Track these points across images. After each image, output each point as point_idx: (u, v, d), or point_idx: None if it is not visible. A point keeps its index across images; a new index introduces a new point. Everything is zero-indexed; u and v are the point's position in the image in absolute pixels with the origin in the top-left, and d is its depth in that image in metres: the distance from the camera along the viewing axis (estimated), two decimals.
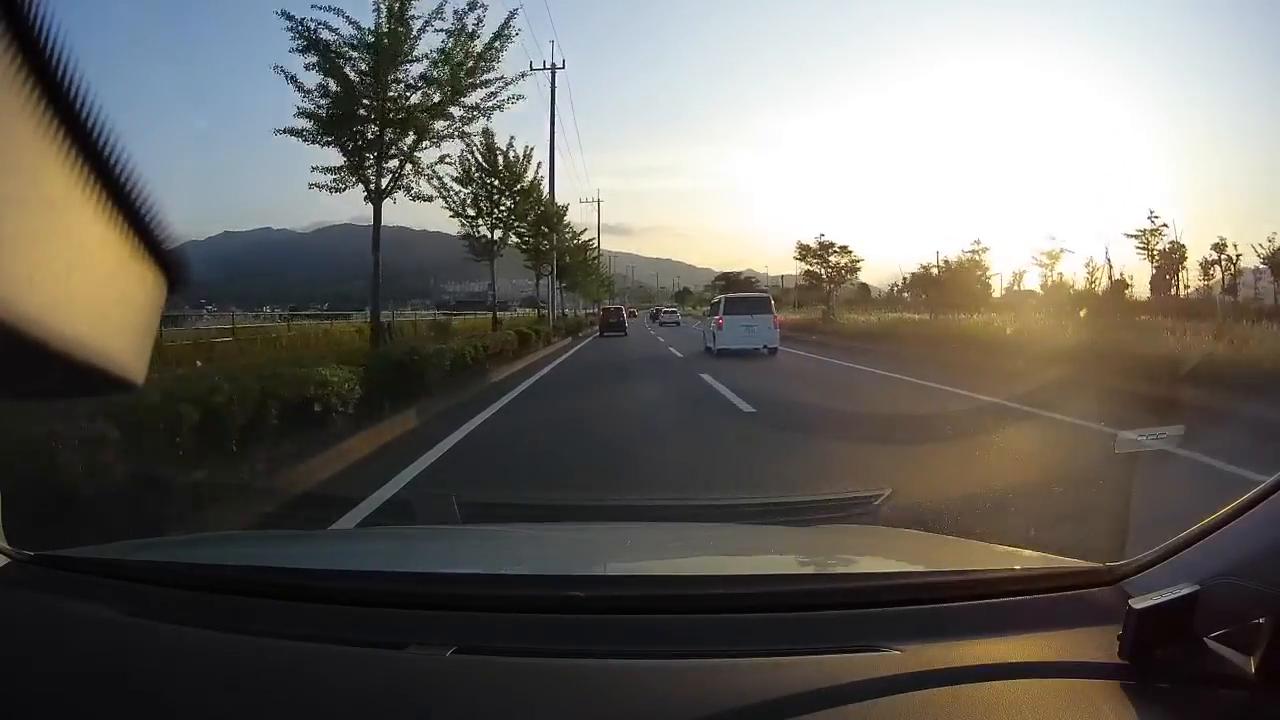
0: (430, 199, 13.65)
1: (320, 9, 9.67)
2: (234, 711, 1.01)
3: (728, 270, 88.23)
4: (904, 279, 52.69)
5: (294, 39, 9.67)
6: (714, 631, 1.18)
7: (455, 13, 10.34)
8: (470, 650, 1.11)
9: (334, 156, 10.34)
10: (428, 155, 11.19)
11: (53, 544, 1.47)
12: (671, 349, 21.61)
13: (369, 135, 10.17)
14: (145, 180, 0.51)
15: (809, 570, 1.64)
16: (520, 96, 11.86)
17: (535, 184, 21.61)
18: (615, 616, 1.24)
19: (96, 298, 0.51)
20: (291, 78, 9.92)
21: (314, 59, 9.77)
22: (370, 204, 10.51)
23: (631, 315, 55.35)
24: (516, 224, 21.05)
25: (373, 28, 9.87)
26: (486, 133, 18.63)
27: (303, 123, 10.17)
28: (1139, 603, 1.01)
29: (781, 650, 1.10)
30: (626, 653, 1.12)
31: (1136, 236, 42.27)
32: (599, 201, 55.05)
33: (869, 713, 0.96)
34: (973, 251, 37.37)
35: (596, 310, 49.11)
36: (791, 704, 0.96)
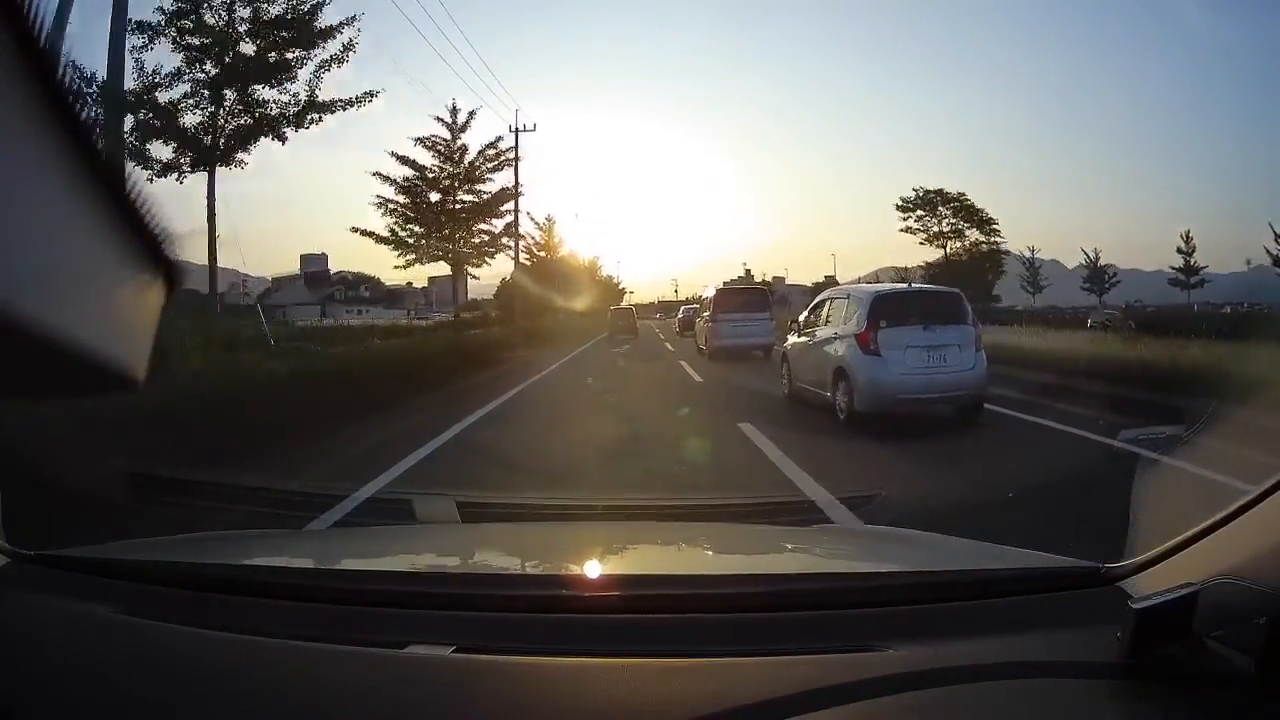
0: None
1: None
2: (234, 711, 1.01)
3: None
4: None
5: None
6: (714, 631, 1.18)
7: None
8: (470, 650, 1.11)
9: None
10: None
11: None
12: None
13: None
14: (145, 182, 0.51)
15: (809, 570, 1.64)
16: None
17: None
18: (615, 616, 1.24)
19: (96, 297, 0.51)
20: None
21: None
22: None
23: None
24: None
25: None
26: None
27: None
28: (1139, 603, 1.01)
29: (781, 650, 1.10)
30: (626, 652, 1.12)
31: None
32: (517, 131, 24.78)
33: (868, 712, 0.96)
34: None
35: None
36: (791, 704, 0.96)
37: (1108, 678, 1.02)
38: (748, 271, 70.51)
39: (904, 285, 9.83)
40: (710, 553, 1.95)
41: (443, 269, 24.71)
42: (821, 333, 8.85)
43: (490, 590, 1.36)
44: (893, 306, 8.05)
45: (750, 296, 19.09)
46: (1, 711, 0.98)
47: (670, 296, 79.88)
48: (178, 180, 13.87)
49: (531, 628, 1.20)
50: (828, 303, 9.19)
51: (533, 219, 31.63)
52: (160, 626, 1.21)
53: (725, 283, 23.99)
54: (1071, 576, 1.33)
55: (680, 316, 34.33)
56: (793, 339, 9.91)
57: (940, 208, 43.49)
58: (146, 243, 0.54)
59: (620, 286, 63.23)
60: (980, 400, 7.90)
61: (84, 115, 0.47)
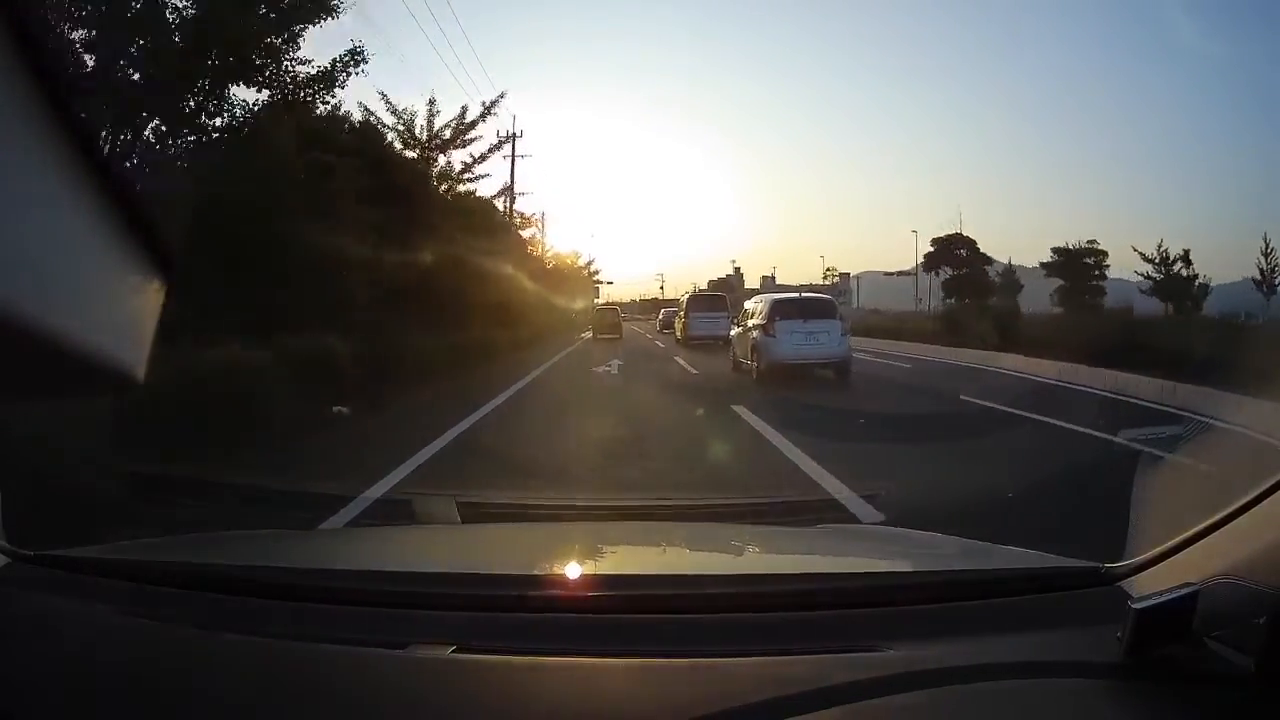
0: None
1: None
2: (234, 711, 1.01)
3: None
4: None
5: None
6: (714, 631, 1.18)
7: None
8: (470, 650, 1.11)
9: None
10: None
11: None
12: None
13: None
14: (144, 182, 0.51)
15: (809, 570, 1.64)
16: None
17: None
18: (615, 616, 1.24)
19: (96, 297, 0.51)
20: None
21: None
22: None
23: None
24: None
25: None
26: None
27: None
28: (1139, 603, 1.01)
29: (781, 650, 1.10)
30: (627, 653, 1.12)
31: None
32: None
33: (868, 712, 0.96)
34: None
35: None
36: (791, 704, 0.95)
37: (1108, 678, 1.02)
38: (737, 270, 69.70)
39: (795, 294, 14.79)
40: (711, 553, 1.95)
41: None
42: (749, 324, 13.42)
43: (490, 590, 1.36)
44: (785, 307, 12.89)
45: (714, 301, 25.48)
46: (1, 711, 0.98)
47: (655, 293, 77.66)
48: None
49: (531, 628, 1.20)
50: (753, 304, 14.12)
51: None
52: (160, 626, 1.21)
53: (710, 283, 40.37)
54: (1071, 576, 1.33)
55: (660, 317, 39.07)
56: (734, 329, 15.22)
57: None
58: (145, 242, 0.54)
59: (595, 275, 48.60)
60: (846, 365, 12.47)
61: (84, 115, 0.47)
